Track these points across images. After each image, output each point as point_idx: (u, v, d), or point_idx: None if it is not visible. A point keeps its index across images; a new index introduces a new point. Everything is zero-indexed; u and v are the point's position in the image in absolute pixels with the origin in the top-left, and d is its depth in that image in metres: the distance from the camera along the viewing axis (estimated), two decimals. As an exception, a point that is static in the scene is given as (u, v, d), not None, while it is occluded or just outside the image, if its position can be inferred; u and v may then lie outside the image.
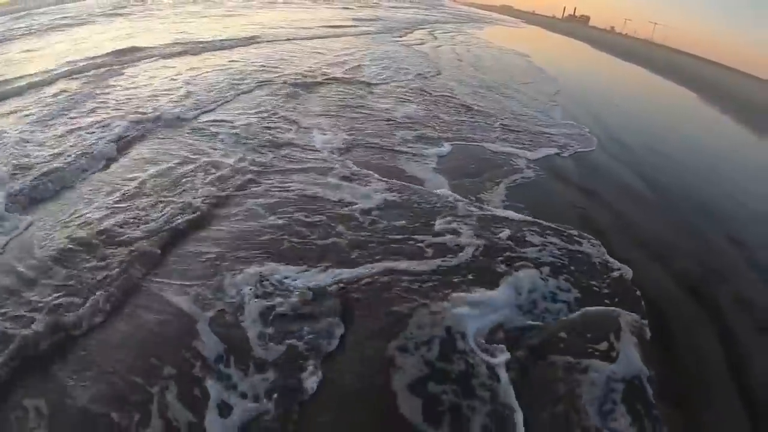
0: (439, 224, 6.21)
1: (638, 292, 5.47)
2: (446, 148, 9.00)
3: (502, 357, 4.21)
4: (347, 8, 34.54)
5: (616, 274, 5.75)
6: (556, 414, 3.85)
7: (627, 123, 14.38)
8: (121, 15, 21.36)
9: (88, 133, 7.78)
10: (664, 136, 14.02)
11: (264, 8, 28.18)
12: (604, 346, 4.58)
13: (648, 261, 6.24)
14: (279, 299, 4.56)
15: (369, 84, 13.09)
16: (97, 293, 4.36)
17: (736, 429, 4.13)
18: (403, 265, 5.33)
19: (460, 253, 5.66)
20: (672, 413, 4.07)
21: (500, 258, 5.70)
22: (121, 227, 5.42)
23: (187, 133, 8.42)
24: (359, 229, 5.94)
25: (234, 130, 8.61)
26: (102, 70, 11.51)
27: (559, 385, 4.09)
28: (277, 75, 12.68)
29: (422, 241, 5.80)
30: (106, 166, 6.97)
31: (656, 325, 5.02)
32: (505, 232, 6.23)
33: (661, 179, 9.42)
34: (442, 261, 5.48)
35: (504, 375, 4.04)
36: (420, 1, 57.60)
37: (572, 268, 5.71)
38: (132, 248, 5.03)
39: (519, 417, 3.72)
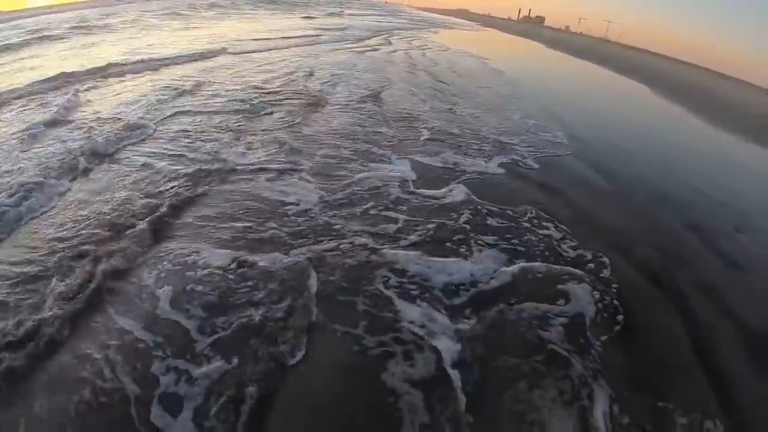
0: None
1: (601, 280, 5.62)
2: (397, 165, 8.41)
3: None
4: (309, 17, 34.36)
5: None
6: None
7: (584, 119, 14.74)
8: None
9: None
10: (620, 129, 14.42)
11: (221, 19, 27.63)
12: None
13: (609, 251, 6.34)
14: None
15: (317, 98, 12.13)
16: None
17: (704, 407, 4.19)
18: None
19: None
20: (640, 396, 4.16)
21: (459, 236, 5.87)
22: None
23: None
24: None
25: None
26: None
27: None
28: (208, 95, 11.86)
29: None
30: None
31: (621, 313, 5.13)
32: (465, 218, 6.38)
33: (619, 172, 9.65)
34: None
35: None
36: (380, 7, 57.92)
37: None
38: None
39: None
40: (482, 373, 4.09)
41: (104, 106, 9.81)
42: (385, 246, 5.69)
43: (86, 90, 10.96)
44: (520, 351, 4.38)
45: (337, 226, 6.02)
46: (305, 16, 34.85)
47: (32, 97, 10.18)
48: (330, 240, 5.70)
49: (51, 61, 13.65)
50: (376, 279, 5.10)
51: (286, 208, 6.39)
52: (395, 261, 5.41)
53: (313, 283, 4.92)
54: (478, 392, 3.90)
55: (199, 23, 25.60)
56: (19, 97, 10.12)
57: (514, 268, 5.59)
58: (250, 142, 8.54)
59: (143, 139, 8.33)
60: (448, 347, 4.29)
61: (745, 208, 9.58)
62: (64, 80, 11.50)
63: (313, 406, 3.64)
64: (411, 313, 4.68)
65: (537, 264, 5.74)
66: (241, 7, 34.55)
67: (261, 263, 5.15)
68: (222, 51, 17.39)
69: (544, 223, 6.78)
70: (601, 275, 5.75)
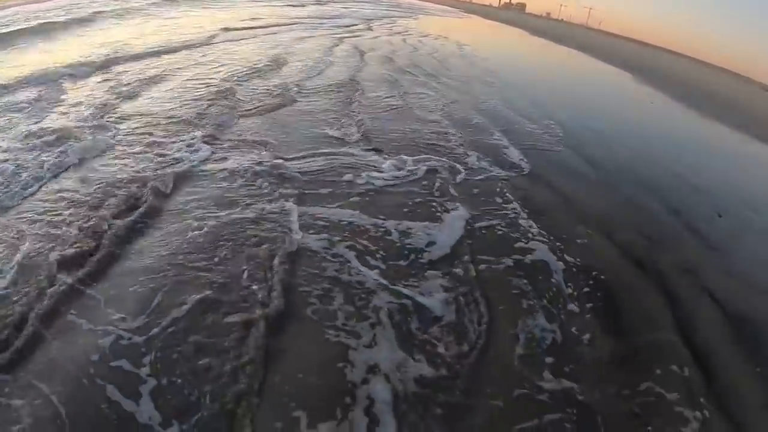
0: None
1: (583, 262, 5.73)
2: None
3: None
4: (289, 5, 33.77)
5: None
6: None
7: (567, 105, 14.83)
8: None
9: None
10: (603, 116, 14.62)
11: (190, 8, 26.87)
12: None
13: (592, 235, 6.45)
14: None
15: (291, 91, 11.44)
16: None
17: (687, 383, 4.28)
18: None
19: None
20: (624, 375, 4.24)
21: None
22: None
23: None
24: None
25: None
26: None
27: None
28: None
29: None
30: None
31: (604, 296, 5.22)
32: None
33: (603, 158, 9.78)
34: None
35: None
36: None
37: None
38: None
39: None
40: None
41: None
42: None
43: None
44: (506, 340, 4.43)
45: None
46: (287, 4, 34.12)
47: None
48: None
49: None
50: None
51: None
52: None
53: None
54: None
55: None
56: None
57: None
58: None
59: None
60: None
61: (727, 195, 9.81)
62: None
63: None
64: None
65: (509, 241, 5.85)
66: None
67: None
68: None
69: (521, 206, 6.88)
70: (584, 258, 5.83)
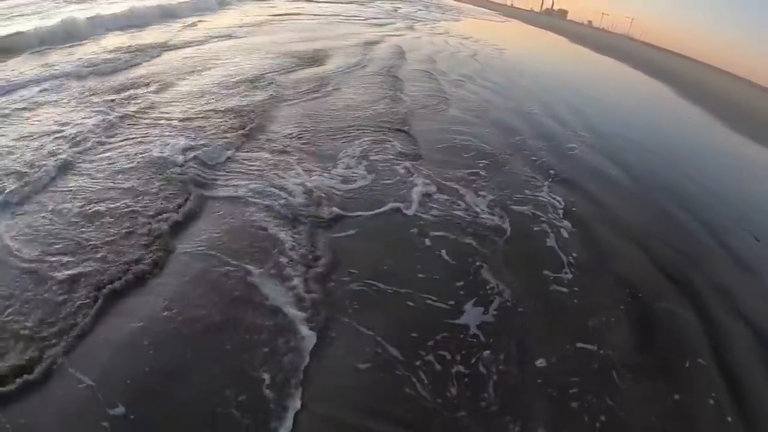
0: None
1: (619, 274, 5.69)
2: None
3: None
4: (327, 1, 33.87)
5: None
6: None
7: (607, 116, 14.60)
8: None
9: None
10: (641, 127, 14.25)
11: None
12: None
13: (629, 248, 6.39)
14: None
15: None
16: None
17: (718, 402, 4.24)
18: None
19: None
20: (656, 388, 4.22)
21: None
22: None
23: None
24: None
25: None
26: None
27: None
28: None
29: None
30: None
31: (639, 311, 5.17)
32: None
33: (638, 169, 9.61)
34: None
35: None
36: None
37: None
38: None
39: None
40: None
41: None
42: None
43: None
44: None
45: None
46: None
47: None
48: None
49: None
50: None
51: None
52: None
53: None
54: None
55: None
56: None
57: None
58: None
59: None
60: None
61: (763, 216, 9.60)
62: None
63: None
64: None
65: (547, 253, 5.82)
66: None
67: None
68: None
69: (562, 215, 6.81)
70: (621, 271, 5.78)
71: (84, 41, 12.16)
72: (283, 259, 4.85)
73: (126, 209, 5.24)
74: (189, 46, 13.38)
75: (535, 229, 6.36)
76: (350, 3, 34.40)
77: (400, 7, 38.71)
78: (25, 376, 3.30)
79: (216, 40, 14.91)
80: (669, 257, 6.44)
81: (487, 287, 5.01)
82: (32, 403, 3.19)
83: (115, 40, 12.64)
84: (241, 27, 17.70)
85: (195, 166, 6.41)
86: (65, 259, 4.40)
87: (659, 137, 13.70)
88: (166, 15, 17.38)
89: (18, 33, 11.03)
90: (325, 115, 9.22)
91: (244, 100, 9.29)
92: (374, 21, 26.55)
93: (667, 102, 23.18)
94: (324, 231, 5.45)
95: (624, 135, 12.32)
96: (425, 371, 3.88)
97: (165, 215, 5.23)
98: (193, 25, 17.02)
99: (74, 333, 3.66)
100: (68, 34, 12.12)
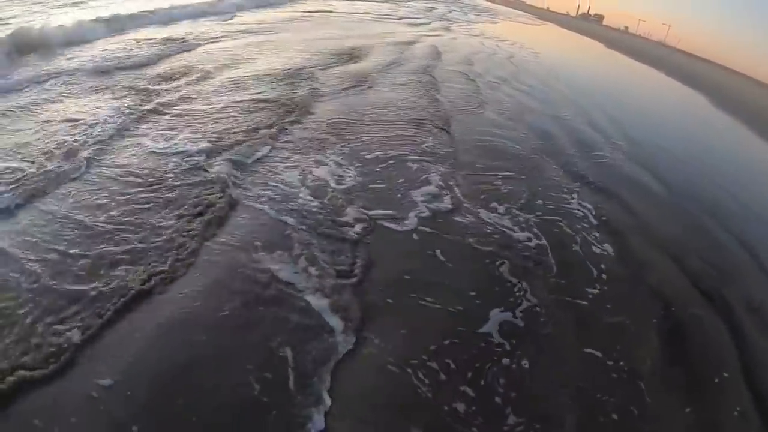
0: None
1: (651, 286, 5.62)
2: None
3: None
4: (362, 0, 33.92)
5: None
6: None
7: (641, 123, 14.29)
8: None
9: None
10: (677, 137, 13.99)
11: None
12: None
13: (664, 261, 6.28)
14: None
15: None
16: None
17: (746, 420, 4.19)
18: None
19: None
20: (683, 404, 4.17)
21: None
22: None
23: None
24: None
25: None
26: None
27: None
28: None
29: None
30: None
31: (672, 325, 5.10)
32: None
33: (673, 180, 9.40)
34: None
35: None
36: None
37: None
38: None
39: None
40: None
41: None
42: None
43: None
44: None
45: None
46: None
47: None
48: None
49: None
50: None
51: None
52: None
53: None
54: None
55: None
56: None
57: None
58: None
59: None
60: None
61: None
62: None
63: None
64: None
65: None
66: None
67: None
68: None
69: (594, 223, 6.74)
70: (655, 284, 5.70)
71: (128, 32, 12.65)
72: (316, 259, 4.89)
73: (160, 202, 5.39)
74: (226, 40, 13.71)
75: (567, 236, 6.28)
76: (385, 2, 34.44)
77: (434, 8, 38.58)
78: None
79: (252, 35, 15.22)
80: (702, 270, 6.31)
81: (516, 294, 4.97)
82: (71, 384, 3.29)
83: (154, 34, 12.95)
84: (275, 23, 17.97)
85: (230, 158, 6.55)
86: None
87: (693, 147, 13.43)
88: (203, 12, 17.73)
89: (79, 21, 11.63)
90: (362, 112, 9.31)
91: (283, 94, 9.44)
92: (410, 20, 26.53)
93: (702, 111, 22.65)
94: (355, 232, 5.46)
95: (658, 144, 12.10)
96: (451, 378, 3.86)
97: (197, 209, 5.34)
98: (230, 21, 17.37)
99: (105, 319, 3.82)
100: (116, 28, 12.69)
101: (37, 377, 3.24)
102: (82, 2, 15.07)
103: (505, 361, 4.13)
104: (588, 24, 79.07)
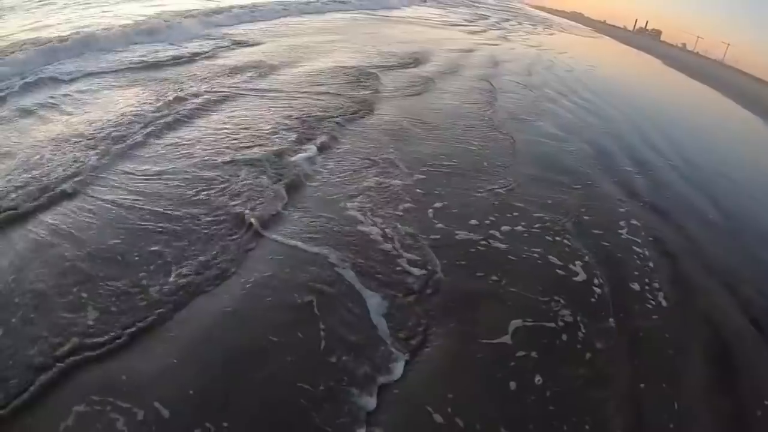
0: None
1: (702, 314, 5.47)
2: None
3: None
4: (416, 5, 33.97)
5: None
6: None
7: (699, 145, 13.72)
8: None
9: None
10: (734, 163, 13.38)
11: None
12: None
13: (716, 287, 6.09)
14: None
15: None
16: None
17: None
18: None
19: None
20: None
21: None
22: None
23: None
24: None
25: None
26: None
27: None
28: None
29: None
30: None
31: (719, 353, 4.96)
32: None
33: (730, 206, 8.99)
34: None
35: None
36: (493, 5, 55.95)
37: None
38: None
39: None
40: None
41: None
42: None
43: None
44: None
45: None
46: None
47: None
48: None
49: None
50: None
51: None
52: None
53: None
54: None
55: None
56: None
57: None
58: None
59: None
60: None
61: None
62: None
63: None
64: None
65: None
66: None
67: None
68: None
69: (648, 245, 6.58)
70: (703, 309, 5.57)
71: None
72: (376, 263, 5.08)
73: (217, 192, 5.79)
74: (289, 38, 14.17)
75: (617, 253, 6.17)
76: (443, 9, 34.41)
77: (491, 16, 38.28)
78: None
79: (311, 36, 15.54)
80: (754, 300, 6.04)
81: (566, 311, 4.93)
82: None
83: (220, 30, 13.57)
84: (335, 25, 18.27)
85: (294, 152, 6.89)
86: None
87: (755, 176, 12.83)
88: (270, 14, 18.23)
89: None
90: (423, 115, 9.48)
91: (345, 92, 9.76)
92: (468, 28, 26.41)
93: (762, 138, 21.61)
94: (419, 241, 5.57)
95: (716, 168, 11.62)
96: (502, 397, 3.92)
97: (256, 204, 5.67)
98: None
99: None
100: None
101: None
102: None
103: (538, 378, 4.08)
104: (645, 39, 76.20)
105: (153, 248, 4.74)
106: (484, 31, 27.30)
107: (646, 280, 5.78)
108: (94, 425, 3.15)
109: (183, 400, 3.36)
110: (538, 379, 4.05)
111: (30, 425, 3.11)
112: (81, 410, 3.20)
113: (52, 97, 8.22)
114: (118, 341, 3.68)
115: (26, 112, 7.59)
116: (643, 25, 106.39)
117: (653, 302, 5.41)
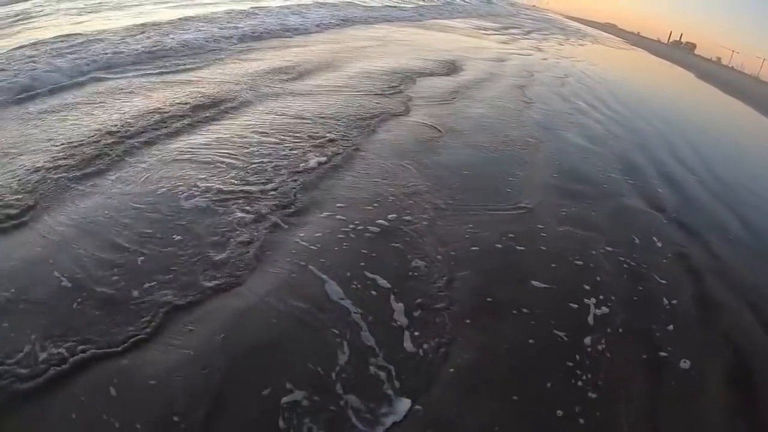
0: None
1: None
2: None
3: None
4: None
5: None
6: None
7: (730, 162, 13.07)
8: None
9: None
10: (765, 179, 12.79)
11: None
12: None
13: (740, 306, 5.76)
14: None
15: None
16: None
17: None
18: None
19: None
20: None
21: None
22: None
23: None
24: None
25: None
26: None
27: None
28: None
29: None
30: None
31: (738, 372, 4.69)
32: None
33: (760, 225, 8.56)
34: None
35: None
36: (528, 16, 55.07)
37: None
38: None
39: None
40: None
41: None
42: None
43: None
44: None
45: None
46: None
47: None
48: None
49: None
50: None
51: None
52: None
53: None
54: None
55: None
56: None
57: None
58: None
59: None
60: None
61: None
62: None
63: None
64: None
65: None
66: None
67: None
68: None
69: (673, 260, 6.29)
70: (724, 326, 5.29)
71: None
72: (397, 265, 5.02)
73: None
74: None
75: (642, 271, 5.86)
76: (476, 18, 34.14)
77: (524, 25, 37.78)
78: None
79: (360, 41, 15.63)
80: None
81: (584, 325, 4.75)
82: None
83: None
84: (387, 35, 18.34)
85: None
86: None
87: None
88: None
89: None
90: (453, 121, 9.43)
91: (381, 94, 9.87)
92: (500, 38, 26.04)
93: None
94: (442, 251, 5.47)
95: (747, 185, 11.01)
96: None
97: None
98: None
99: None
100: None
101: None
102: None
103: (551, 394, 3.92)
104: (679, 52, 73.58)
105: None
106: (517, 40, 26.81)
107: (669, 296, 5.51)
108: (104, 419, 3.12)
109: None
110: (550, 395, 3.89)
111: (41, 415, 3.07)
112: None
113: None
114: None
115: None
116: (678, 38, 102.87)
117: (675, 319, 5.14)
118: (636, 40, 72.50)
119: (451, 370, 3.86)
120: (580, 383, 4.03)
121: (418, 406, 3.48)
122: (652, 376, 4.34)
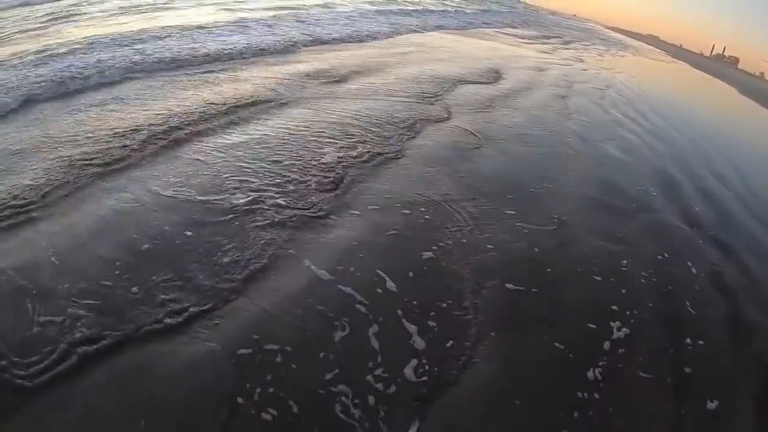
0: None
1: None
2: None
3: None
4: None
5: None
6: None
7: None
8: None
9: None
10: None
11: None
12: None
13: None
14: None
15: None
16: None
17: None
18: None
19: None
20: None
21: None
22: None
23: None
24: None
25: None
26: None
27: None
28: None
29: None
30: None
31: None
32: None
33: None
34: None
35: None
36: (569, 26, 53.80)
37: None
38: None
39: None
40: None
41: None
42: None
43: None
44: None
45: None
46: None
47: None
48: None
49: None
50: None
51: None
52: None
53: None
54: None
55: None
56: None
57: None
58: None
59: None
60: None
61: None
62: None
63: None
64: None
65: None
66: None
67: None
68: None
69: (707, 278, 6.11)
70: (757, 350, 5.10)
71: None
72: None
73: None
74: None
75: (674, 288, 5.68)
76: (516, 27, 33.67)
77: (564, 35, 36.91)
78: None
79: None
80: None
81: (613, 341, 4.62)
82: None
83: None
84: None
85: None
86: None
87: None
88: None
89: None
90: (492, 129, 9.43)
91: (422, 102, 10.03)
92: (540, 47, 25.61)
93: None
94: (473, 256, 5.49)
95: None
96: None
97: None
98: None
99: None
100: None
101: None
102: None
103: (578, 411, 3.82)
104: (721, 66, 70.59)
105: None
106: (558, 50, 26.28)
107: (700, 315, 5.37)
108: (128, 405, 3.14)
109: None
110: (577, 412, 3.82)
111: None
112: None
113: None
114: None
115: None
116: (721, 51, 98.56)
117: (705, 339, 4.99)
118: (678, 52, 69.92)
119: (474, 380, 3.82)
120: (603, 402, 3.94)
121: (437, 414, 3.49)
122: (680, 397, 4.25)
